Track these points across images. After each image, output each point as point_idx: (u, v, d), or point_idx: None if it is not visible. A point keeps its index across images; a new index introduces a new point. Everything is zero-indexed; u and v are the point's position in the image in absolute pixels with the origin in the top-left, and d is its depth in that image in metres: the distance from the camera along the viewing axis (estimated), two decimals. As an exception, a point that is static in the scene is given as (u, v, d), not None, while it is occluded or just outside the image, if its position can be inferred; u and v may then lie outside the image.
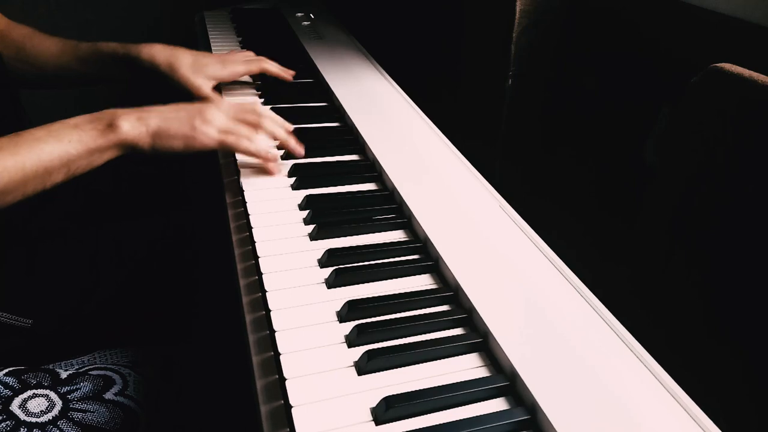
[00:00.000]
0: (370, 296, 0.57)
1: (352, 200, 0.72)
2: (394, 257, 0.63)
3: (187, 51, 0.94)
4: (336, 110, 0.94)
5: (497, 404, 0.47)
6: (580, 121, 0.96)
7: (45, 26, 1.01)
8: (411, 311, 0.56)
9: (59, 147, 0.66)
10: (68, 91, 1.15)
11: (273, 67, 1.00)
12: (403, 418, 0.45)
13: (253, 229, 0.66)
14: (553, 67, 0.97)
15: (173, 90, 0.93)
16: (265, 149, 0.76)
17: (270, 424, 0.47)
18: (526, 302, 0.54)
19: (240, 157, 0.79)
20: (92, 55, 0.95)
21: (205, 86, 0.93)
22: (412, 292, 0.58)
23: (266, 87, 1.02)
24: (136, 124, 0.70)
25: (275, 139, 0.78)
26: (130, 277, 0.86)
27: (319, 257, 0.62)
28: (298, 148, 0.79)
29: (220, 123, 0.74)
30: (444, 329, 0.54)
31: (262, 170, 0.77)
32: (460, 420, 0.45)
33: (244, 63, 0.99)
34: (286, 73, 1.02)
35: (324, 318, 0.54)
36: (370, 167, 0.79)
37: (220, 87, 1.02)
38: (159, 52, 0.92)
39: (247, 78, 1.04)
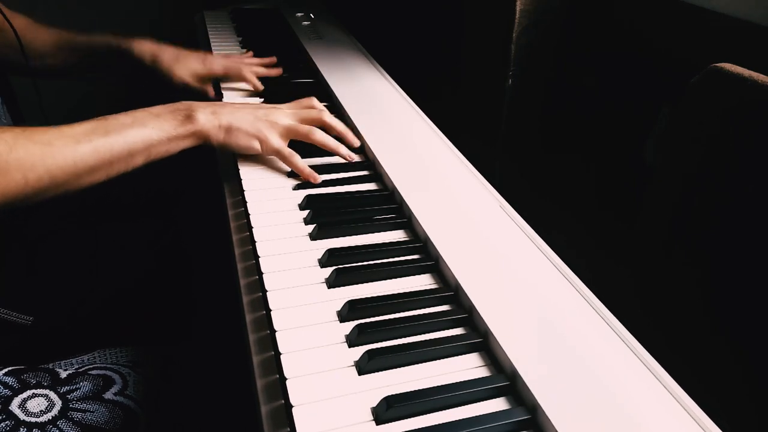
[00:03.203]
0: (370, 296, 0.57)
1: (353, 200, 0.72)
2: (394, 257, 0.63)
3: (171, 47, 1.00)
4: (336, 110, 0.94)
5: (497, 404, 0.47)
6: (580, 120, 0.96)
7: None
8: (411, 311, 0.56)
9: (143, 132, 0.69)
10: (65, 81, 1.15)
11: (250, 75, 1.00)
12: (404, 418, 0.45)
13: (253, 229, 0.66)
14: (553, 67, 0.97)
15: (172, 92, 0.93)
16: (327, 141, 0.80)
17: (270, 424, 0.47)
18: (526, 302, 0.54)
19: (240, 157, 0.79)
20: (87, 47, 0.99)
21: (186, 77, 0.99)
22: (412, 292, 0.58)
23: (266, 87, 1.01)
24: (210, 117, 0.74)
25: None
26: (130, 276, 0.86)
27: (320, 257, 0.62)
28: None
29: (284, 124, 0.78)
30: (444, 329, 0.54)
31: (263, 170, 0.77)
32: (461, 420, 0.45)
33: (223, 65, 1.01)
34: (269, 72, 1.04)
35: (324, 318, 0.54)
36: (370, 167, 0.79)
37: (221, 88, 1.02)
38: (145, 46, 0.98)
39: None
